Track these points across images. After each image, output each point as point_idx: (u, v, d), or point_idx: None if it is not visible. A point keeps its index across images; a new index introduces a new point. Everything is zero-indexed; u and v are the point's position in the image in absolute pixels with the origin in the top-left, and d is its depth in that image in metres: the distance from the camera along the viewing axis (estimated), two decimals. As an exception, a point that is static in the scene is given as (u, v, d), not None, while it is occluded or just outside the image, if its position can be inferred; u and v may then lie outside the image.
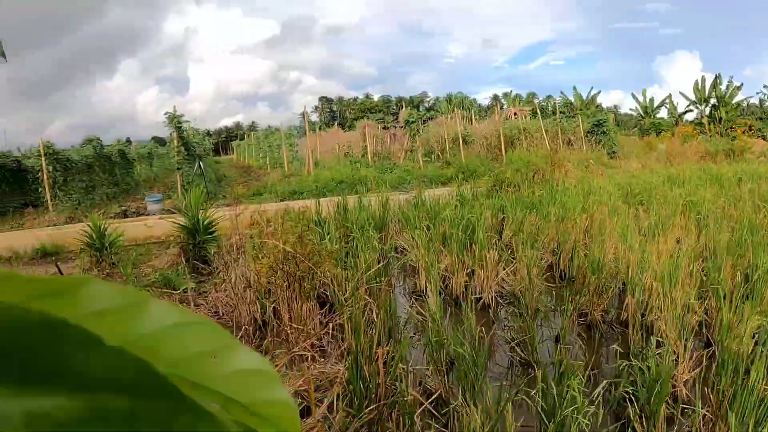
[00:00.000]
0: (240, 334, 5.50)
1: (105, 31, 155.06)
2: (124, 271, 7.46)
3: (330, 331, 5.11)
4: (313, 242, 5.87)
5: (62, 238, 10.24)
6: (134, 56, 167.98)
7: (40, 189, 15.96)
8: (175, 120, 16.25)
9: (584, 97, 39.58)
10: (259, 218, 9.42)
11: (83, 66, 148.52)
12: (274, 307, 5.68)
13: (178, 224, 8.11)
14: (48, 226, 12.81)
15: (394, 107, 68.98)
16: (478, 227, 7.50)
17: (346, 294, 5.61)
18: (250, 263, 6.66)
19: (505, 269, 6.62)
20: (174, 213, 9.94)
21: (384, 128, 29.84)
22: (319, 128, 35.03)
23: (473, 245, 7.07)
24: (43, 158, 15.49)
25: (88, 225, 8.02)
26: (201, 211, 8.14)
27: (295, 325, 5.06)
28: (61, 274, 6.89)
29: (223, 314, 6.10)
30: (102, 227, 8.05)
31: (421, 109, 44.49)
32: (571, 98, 39.68)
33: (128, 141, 28.75)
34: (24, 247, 10.14)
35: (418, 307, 5.81)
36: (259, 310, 5.85)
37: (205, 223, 8.09)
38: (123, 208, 15.33)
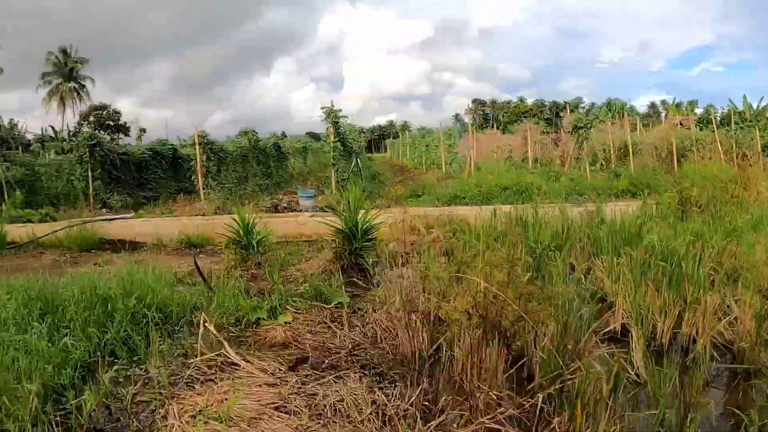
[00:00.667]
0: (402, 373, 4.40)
1: (263, 30, 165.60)
2: (269, 275, 6.48)
3: (538, 405, 3.53)
4: (522, 280, 4.37)
5: (209, 229, 9.86)
6: (291, 55, 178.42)
7: (193, 177, 16.35)
8: (332, 114, 15.77)
9: (754, 107, 33.92)
10: (420, 223, 8.21)
11: (243, 63, 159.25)
12: (449, 351, 4.33)
13: (333, 227, 7.06)
14: (197, 214, 12.78)
15: (548, 112, 65.56)
16: (688, 260, 6.01)
17: (544, 342, 4.10)
18: (419, 281, 5.50)
19: (721, 318, 5.14)
20: (327, 212, 9.05)
21: (543, 133, 27.71)
22: (474, 130, 33.54)
23: (681, 281, 5.72)
24: (197, 147, 15.75)
25: (234, 219, 7.23)
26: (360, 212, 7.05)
27: (492, 393, 3.57)
28: (200, 272, 6.06)
29: (381, 340, 5.10)
30: (249, 224, 7.21)
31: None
32: (740, 107, 34.12)
33: (283, 135, 29.32)
34: (170, 236, 9.88)
35: (618, 355, 4.29)
36: (427, 343, 4.81)
37: (364, 227, 6.95)
38: (274, 201, 14.99)
